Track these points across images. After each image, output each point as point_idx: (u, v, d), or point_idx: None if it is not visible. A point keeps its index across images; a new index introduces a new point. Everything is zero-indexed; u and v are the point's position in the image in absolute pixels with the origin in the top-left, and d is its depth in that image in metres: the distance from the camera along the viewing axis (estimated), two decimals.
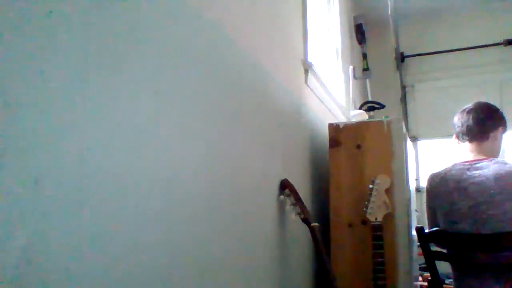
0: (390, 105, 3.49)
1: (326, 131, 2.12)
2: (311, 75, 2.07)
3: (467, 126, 1.74)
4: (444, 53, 4.15)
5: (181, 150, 0.94)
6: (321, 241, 1.51)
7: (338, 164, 2.02)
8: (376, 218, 1.76)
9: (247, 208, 1.28)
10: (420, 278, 2.78)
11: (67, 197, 0.63)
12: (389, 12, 3.79)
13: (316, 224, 1.51)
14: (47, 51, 0.61)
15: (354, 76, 3.26)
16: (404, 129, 2.07)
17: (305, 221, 1.52)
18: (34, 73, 0.59)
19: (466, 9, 4.08)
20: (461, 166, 1.71)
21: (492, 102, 1.81)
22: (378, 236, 1.73)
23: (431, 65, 4.23)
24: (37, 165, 0.58)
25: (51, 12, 0.62)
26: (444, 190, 1.71)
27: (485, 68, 4.02)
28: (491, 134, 1.72)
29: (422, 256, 1.69)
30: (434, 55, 4.20)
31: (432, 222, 1.80)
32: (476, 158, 1.71)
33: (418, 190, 3.84)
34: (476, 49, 4.04)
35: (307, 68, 2.03)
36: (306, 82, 2.05)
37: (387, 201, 1.78)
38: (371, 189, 1.80)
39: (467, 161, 1.72)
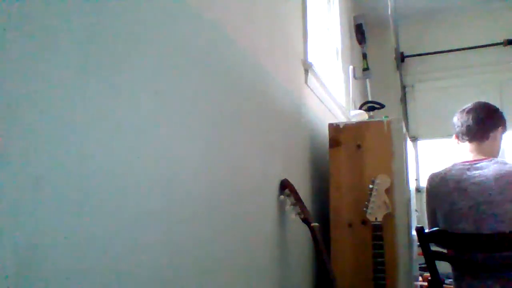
0: (390, 105, 3.49)
1: (326, 131, 2.12)
2: (311, 75, 2.07)
3: (467, 126, 1.74)
4: (444, 53, 4.15)
5: (181, 150, 0.94)
6: (321, 241, 1.51)
7: (338, 164, 2.02)
8: (376, 218, 1.76)
9: (247, 208, 1.28)
10: (420, 278, 2.78)
11: (67, 197, 0.63)
12: (389, 12, 3.79)
13: (316, 224, 1.51)
14: (48, 51, 0.61)
15: (354, 76, 3.26)
16: (404, 129, 2.07)
17: (305, 221, 1.52)
18: (34, 73, 0.59)
19: (466, 9, 4.08)
20: (461, 166, 1.71)
21: (492, 102, 1.81)
22: (378, 236, 1.73)
23: (431, 65, 4.23)
24: (37, 165, 0.58)
25: (51, 12, 0.63)
26: (444, 190, 1.71)
27: (485, 68, 4.02)
28: (491, 134, 1.72)
29: (422, 256, 1.69)
30: (434, 55, 4.20)
31: (432, 222, 1.80)
32: (476, 158, 1.71)
33: (418, 190, 3.84)
34: (476, 49, 4.04)
35: (307, 68, 2.03)
36: (306, 82, 2.05)
37: (387, 201, 1.78)
38: (371, 189, 1.80)
39: (467, 161, 1.72)
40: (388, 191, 1.82)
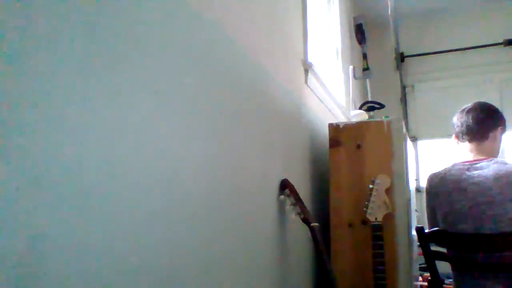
0: (390, 105, 3.49)
1: (326, 131, 2.12)
2: (311, 75, 2.07)
3: (467, 126, 1.74)
4: (444, 53, 4.15)
5: (181, 150, 0.94)
6: (321, 241, 1.51)
7: (338, 164, 2.02)
8: (376, 218, 1.76)
9: (247, 208, 1.28)
10: (420, 278, 2.78)
11: (67, 197, 0.63)
12: (389, 12, 3.79)
13: (316, 224, 1.51)
14: (47, 51, 0.61)
15: (354, 76, 3.26)
16: (404, 129, 2.07)
17: (305, 221, 1.52)
18: (34, 73, 0.59)
19: (466, 9, 4.08)
20: (460, 166, 1.71)
21: (492, 102, 1.81)
22: (378, 236, 1.73)
23: (431, 65, 4.23)
24: (37, 165, 0.58)
25: (51, 12, 0.63)
26: (443, 190, 1.71)
27: (485, 68, 4.02)
28: (491, 134, 1.72)
29: (422, 256, 1.69)
30: (434, 55, 4.20)
31: (432, 222, 1.80)
32: (475, 158, 1.71)
33: (418, 190, 3.84)
34: (476, 49, 4.03)
35: (307, 68, 2.03)
36: (306, 82, 2.05)
37: (387, 201, 1.78)
38: (371, 189, 1.80)
39: (467, 161, 1.72)
40: (388, 191, 1.82)
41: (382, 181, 1.80)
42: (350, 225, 1.95)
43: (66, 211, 0.63)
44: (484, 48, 4.01)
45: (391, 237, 1.85)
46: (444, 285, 1.72)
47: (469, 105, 1.79)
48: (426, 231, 1.66)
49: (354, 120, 2.46)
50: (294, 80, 1.88)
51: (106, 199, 0.71)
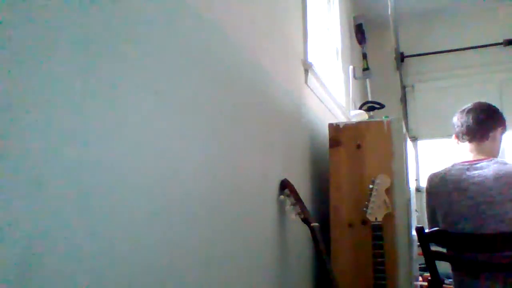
0: (390, 105, 3.49)
1: (326, 131, 2.12)
2: (311, 75, 2.07)
3: (467, 126, 1.74)
4: (444, 53, 4.15)
5: (181, 150, 0.94)
6: (321, 241, 1.51)
7: (338, 164, 2.02)
8: (376, 218, 1.76)
9: (247, 208, 1.28)
10: (420, 278, 2.78)
11: (67, 197, 0.63)
12: (389, 12, 3.79)
13: (316, 224, 1.51)
14: (48, 50, 0.61)
15: (354, 76, 3.26)
16: (404, 129, 2.07)
17: (305, 221, 1.52)
18: (34, 73, 0.59)
19: (466, 9, 4.08)
20: (460, 166, 1.71)
21: (492, 102, 1.81)
22: (378, 236, 1.73)
23: (431, 65, 4.23)
24: (37, 165, 0.58)
25: (51, 12, 0.63)
26: (443, 190, 1.71)
27: (485, 68, 4.02)
28: (491, 134, 1.72)
29: (422, 256, 1.69)
30: (434, 55, 4.20)
31: (432, 222, 1.80)
32: (475, 158, 1.71)
33: (418, 190, 3.84)
34: (476, 49, 4.04)
35: (307, 68, 2.03)
36: (306, 82, 2.05)
37: (387, 201, 1.78)
38: (371, 189, 1.80)
39: (467, 161, 1.72)
40: (388, 191, 1.82)
41: (382, 181, 1.80)
42: (350, 225, 1.95)
43: (66, 211, 0.63)
44: (484, 48, 4.02)
45: (391, 237, 1.85)
46: (444, 285, 1.72)
47: (469, 105, 1.79)
48: (426, 231, 1.66)
49: (354, 120, 2.46)
50: (294, 80, 1.88)
51: (106, 199, 0.71)
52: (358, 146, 2.00)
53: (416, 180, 4.03)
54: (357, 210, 1.92)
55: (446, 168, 1.77)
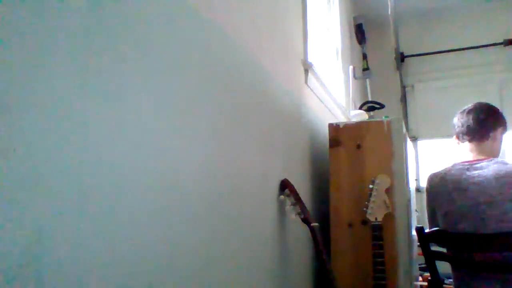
0: (390, 105, 3.49)
1: (326, 131, 2.12)
2: (311, 75, 2.07)
3: (467, 126, 1.74)
4: (444, 53, 4.15)
5: (181, 150, 0.94)
6: (321, 241, 1.51)
7: (338, 164, 2.02)
8: (376, 218, 1.76)
9: (247, 208, 1.28)
10: (420, 278, 2.78)
11: (67, 196, 0.63)
12: (389, 12, 3.79)
13: (316, 224, 1.51)
14: (48, 51, 0.61)
15: (354, 76, 3.26)
16: (404, 129, 2.07)
17: (305, 221, 1.52)
18: (35, 73, 0.59)
19: (466, 9, 4.08)
20: (460, 166, 1.71)
21: (492, 102, 1.81)
22: (378, 236, 1.73)
23: (431, 65, 4.23)
24: (37, 165, 0.58)
25: (51, 12, 0.63)
26: (443, 190, 1.71)
27: (485, 68, 4.02)
28: (491, 134, 1.72)
29: (422, 256, 1.69)
30: (434, 55, 4.20)
31: (432, 222, 1.80)
32: (476, 158, 1.71)
33: (418, 190, 3.84)
34: (476, 49, 4.04)
35: (307, 68, 2.03)
36: (306, 82, 2.05)
37: (387, 201, 1.78)
38: (371, 189, 1.80)
39: (467, 161, 1.72)
40: (388, 191, 1.82)
41: (382, 181, 1.80)
42: (350, 225, 1.95)
43: (66, 211, 0.63)
44: (484, 48, 4.02)
45: (391, 237, 1.85)
46: (444, 285, 1.72)
47: (469, 105, 1.79)
48: (426, 231, 1.66)
49: (354, 120, 2.46)
50: (294, 80, 1.88)
51: (106, 199, 0.71)
52: (358, 146, 2.00)
53: (416, 180, 4.03)
54: (357, 210, 1.92)
55: (446, 168, 1.77)
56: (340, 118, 2.75)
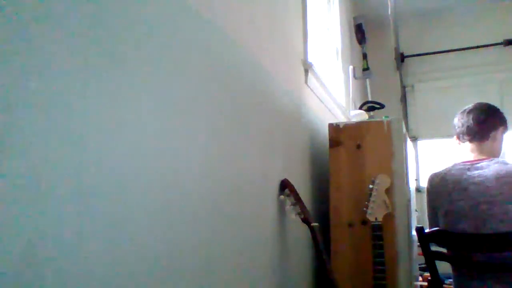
0: (390, 105, 3.49)
1: (326, 131, 2.12)
2: (311, 75, 2.07)
3: (468, 126, 1.74)
4: (444, 53, 4.15)
5: (181, 150, 0.94)
6: (321, 241, 1.51)
7: (338, 164, 2.02)
8: (376, 218, 1.76)
9: (247, 208, 1.28)
10: (420, 278, 2.78)
11: (67, 196, 0.63)
12: (389, 12, 3.79)
13: (316, 224, 1.51)
14: (48, 51, 0.61)
15: (354, 76, 3.26)
16: (404, 129, 2.07)
17: (305, 221, 1.52)
18: (35, 73, 0.59)
19: (466, 9, 4.08)
20: (461, 166, 1.71)
21: (492, 102, 1.81)
22: (378, 236, 1.73)
23: (431, 65, 4.23)
24: (37, 165, 0.58)
25: (51, 12, 0.63)
26: (444, 190, 1.71)
27: (485, 68, 4.02)
28: (491, 134, 1.72)
29: (422, 256, 1.69)
30: (434, 55, 4.20)
31: (433, 222, 1.80)
32: (476, 158, 1.71)
33: (418, 190, 3.84)
34: (476, 49, 4.04)
35: (307, 68, 2.03)
36: (306, 82, 2.05)
37: (387, 201, 1.78)
38: (371, 189, 1.80)
39: (468, 161, 1.72)
40: (388, 191, 1.82)
41: (382, 181, 1.80)
42: (350, 225, 1.95)
43: (66, 211, 0.63)
44: (484, 48, 4.02)
45: (391, 237, 1.85)
46: (444, 285, 1.72)
47: (470, 106, 1.79)
48: (426, 231, 1.65)
49: (354, 120, 2.46)
50: (294, 80, 1.88)
51: (106, 199, 0.71)
52: (358, 146, 2.00)
53: (416, 180, 4.03)
54: (357, 210, 1.92)
55: (446, 168, 1.77)
56: (340, 118, 2.75)
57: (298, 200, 1.53)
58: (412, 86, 4.34)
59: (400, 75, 4.26)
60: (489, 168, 1.63)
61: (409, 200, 1.99)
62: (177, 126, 0.93)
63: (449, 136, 2.01)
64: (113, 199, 0.72)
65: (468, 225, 1.61)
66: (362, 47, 3.39)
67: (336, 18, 3.17)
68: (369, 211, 1.77)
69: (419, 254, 2.10)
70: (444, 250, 1.71)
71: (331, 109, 2.57)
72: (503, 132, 1.75)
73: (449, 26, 4.19)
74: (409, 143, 2.26)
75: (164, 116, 0.89)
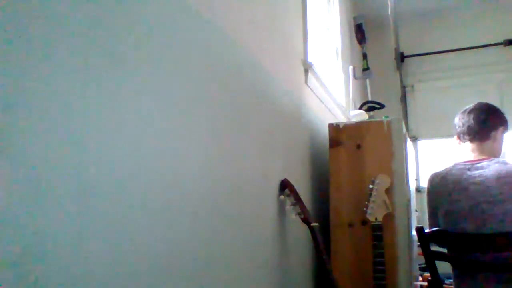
0: (390, 105, 3.49)
1: (326, 131, 2.12)
2: (311, 75, 2.07)
3: (468, 126, 1.74)
4: (444, 53, 4.15)
5: (181, 150, 0.94)
6: (321, 241, 1.51)
7: (338, 164, 2.02)
8: (376, 218, 1.76)
9: (247, 208, 1.28)
10: (420, 278, 2.78)
11: (67, 196, 0.63)
12: (389, 12, 3.79)
13: (316, 224, 1.51)
14: (48, 51, 0.61)
15: (354, 76, 3.26)
16: (404, 129, 2.07)
17: (305, 221, 1.52)
18: (35, 73, 0.59)
19: (466, 9, 4.08)
20: (461, 166, 1.71)
21: (492, 102, 1.81)
22: (378, 236, 1.73)
23: (431, 65, 4.23)
24: (36, 166, 0.58)
25: (51, 12, 0.63)
26: (444, 190, 1.71)
27: (485, 68, 4.02)
28: (492, 134, 1.72)
29: (422, 256, 1.69)
30: (434, 55, 4.20)
31: (433, 222, 1.80)
32: (477, 158, 1.71)
33: (418, 190, 3.84)
34: (476, 49, 4.04)
35: (307, 68, 2.03)
36: (306, 82, 2.05)
37: (387, 201, 1.78)
38: (371, 189, 1.80)
39: (468, 161, 1.72)
40: (388, 191, 1.82)
41: (382, 181, 1.80)
42: (350, 225, 1.95)
43: (66, 211, 0.62)
44: (484, 48, 4.02)
45: (391, 237, 1.85)
46: (444, 285, 1.72)
47: (470, 106, 1.79)
48: (426, 231, 1.65)
49: (354, 120, 2.46)
50: (294, 80, 1.88)
51: (106, 199, 0.71)
52: (358, 146, 2.00)
53: (416, 180, 4.03)
54: (357, 210, 1.92)
55: (447, 168, 1.77)
56: (340, 118, 2.75)
57: (298, 200, 1.53)
58: (412, 86, 4.34)
59: (400, 75, 4.26)
60: (489, 168, 1.63)
61: (409, 200, 1.99)
62: (177, 126, 0.93)
63: (449, 136, 2.01)
64: (113, 199, 0.72)
65: (469, 225, 1.61)
66: (362, 47, 3.39)
67: (336, 18, 3.17)
68: (369, 211, 1.77)
69: (419, 254, 2.10)
70: (444, 250, 1.71)
71: (331, 109, 2.57)
72: (504, 132, 1.75)
73: (449, 26, 4.19)
74: (409, 143, 2.26)
75: (164, 116, 0.89)
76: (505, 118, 1.77)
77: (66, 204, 0.63)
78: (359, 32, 3.33)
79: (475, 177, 1.64)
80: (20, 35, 0.57)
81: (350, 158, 2.00)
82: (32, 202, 0.57)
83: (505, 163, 1.63)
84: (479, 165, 1.67)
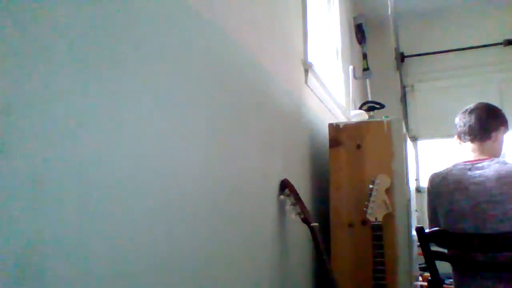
0: (390, 105, 3.48)
1: (326, 131, 2.12)
2: (311, 75, 2.07)
3: (469, 126, 1.74)
4: (444, 53, 4.15)
5: (181, 150, 0.94)
6: (321, 241, 1.51)
7: (338, 164, 2.02)
8: (376, 218, 1.75)
9: (247, 208, 1.28)
10: (420, 278, 2.78)
11: (66, 197, 0.63)
12: (389, 12, 3.79)
13: (316, 224, 1.51)
14: (48, 51, 0.61)
15: (354, 76, 3.26)
16: (404, 129, 2.07)
17: (305, 221, 1.52)
18: (35, 73, 0.59)
19: (466, 9, 4.08)
20: (462, 166, 1.71)
21: (492, 102, 1.81)
22: (378, 236, 1.73)
23: (431, 65, 4.23)
24: (36, 166, 0.58)
25: (51, 12, 0.63)
26: (445, 190, 1.71)
27: (485, 68, 4.02)
28: (493, 134, 1.72)
29: (422, 256, 1.69)
30: (434, 55, 4.20)
31: (433, 221, 1.80)
32: (477, 158, 1.71)
33: (418, 190, 3.84)
34: (476, 49, 4.03)
35: (307, 68, 2.03)
36: (306, 82, 2.05)
37: (387, 201, 1.78)
38: (371, 189, 1.80)
39: (468, 161, 1.72)
40: (388, 191, 1.82)
41: (382, 181, 1.80)
42: (350, 225, 1.95)
43: (66, 211, 0.62)
44: (484, 48, 4.01)
45: (391, 237, 1.85)
46: (444, 285, 1.72)
47: (471, 105, 1.79)
48: (426, 231, 1.65)
49: (354, 120, 2.46)
50: (294, 80, 1.88)
51: (106, 199, 0.71)
52: (358, 146, 2.00)
53: (416, 180, 4.02)
54: (357, 210, 1.92)
55: (447, 168, 1.77)
56: (340, 118, 2.75)
57: (298, 200, 1.53)
58: (412, 86, 4.34)
59: (400, 75, 4.26)
60: (490, 168, 1.63)
61: (409, 200, 1.99)
62: (177, 126, 0.93)
63: (449, 136, 2.01)
64: (113, 199, 0.72)
65: (469, 225, 1.61)
66: (362, 47, 3.39)
67: (336, 18, 3.17)
68: (369, 211, 1.77)
69: (419, 254, 2.10)
70: (444, 250, 1.71)
71: (331, 109, 2.57)
72: (504, 132, 1.75)
73: (449, 26, 4.19)
74: (409, 143, 2.26)
75: (164, 116, 0.89)
76: (505, 118, 1.77)
77: (66, 204, 0.63)
78: (359, 32, 3.33)
79: (475, 177, 1.64)
80: (20, 35, 0.57)
81: (350, 158, 2.00)
82: (32, 202, 0.57)
83: (505, 163, 1.63)
84: (479, 165, 1.67)
